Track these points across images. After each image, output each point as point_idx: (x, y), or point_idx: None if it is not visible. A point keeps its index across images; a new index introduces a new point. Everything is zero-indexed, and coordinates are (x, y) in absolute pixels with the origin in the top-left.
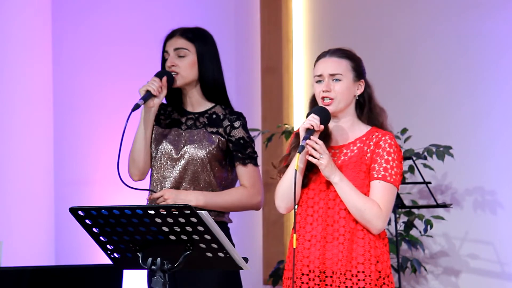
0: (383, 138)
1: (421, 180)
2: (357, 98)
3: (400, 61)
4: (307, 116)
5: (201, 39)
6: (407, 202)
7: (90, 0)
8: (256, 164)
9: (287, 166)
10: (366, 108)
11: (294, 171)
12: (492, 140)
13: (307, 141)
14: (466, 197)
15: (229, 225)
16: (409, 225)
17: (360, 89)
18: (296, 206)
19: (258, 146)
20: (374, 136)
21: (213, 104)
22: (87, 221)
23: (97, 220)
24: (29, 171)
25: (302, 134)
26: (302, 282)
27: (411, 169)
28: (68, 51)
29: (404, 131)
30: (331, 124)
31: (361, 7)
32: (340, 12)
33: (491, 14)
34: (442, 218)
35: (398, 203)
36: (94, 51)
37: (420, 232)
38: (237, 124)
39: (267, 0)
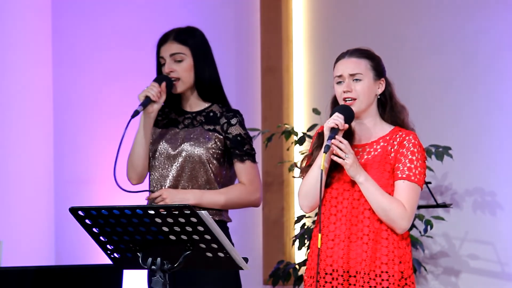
0: (407, 137)
1: None
2: (379, 97)
3: (399, 61)
4: (331, 115)
5: (194, 40)
6: None
7: (90, 0)
8: (254, 161)
9: (309, 165)
10: (388, 106)
11: (321, 171)
12: (492, 141)
13: (332, 140)
14: (466, 198)
15: (229, 224)
16: None
17: (381, 87)
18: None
19: (258, 146)
20: (398, 136)
21: (210, 103)
22: (87, 221)
23: (97, 220)
24: (29, 171)
25: (326, 134)
26: (326, 282)
27: None
28: (68, 51)
29: None
30: (354, 123)
31: (361, 7)
32: (340, 12)
33: (491, 14)
34: (442, 219)
35: None
36: (94, 51)
37: (420, 232)
38: (234, 121)
39: (267, 0)
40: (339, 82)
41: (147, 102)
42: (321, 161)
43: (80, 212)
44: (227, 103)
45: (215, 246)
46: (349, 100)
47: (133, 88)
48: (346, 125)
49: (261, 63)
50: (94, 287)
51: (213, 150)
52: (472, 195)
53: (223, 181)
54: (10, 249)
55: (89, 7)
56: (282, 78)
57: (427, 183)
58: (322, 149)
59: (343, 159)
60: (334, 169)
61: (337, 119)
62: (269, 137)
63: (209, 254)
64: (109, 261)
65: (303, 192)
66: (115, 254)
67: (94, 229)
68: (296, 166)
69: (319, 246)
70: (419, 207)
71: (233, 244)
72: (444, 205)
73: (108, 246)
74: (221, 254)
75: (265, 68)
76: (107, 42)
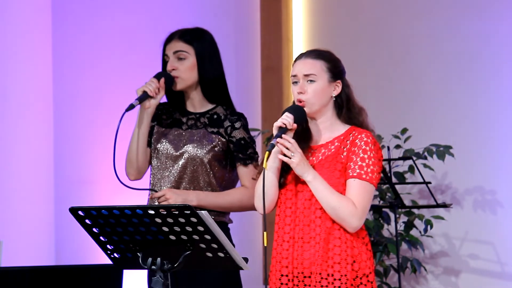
0: (359, 136)
1: (421, 180)
2: (335, 98)
3: (400, 60)
4: (282, 115)
5: (199, 40)
6: (407, 202)
7: (91, 0)
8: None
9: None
10: (344, 108)
11: (263, 169)
12: (492, 140)
13: (278, 139)
14: (466, 196)
15: (230, 225)
16: (409, 225)
17: (336, 89)
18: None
19: (258, 146)
20: (351, 135)
21: (214, 105)
22: (87, 221)
23: (97, 220)
24: (29, 171)
25: (274, 132)
26: (282, 283)
27: (411, 169)
28: (68, 51)
29: (404, 131)
30: (310, 124)
31: (361, 7)
32: (340, 12)
33: (491, 13)
34: (442, 218)
35: (398, 203)
36: (95, 51)
37: (420, 232)
38: (237, 124)
39: (267, 0)
40: (294, 82)
41: (143, 97)
42: (271, 162)
43: (80, 212)
44: (232, 105)
45: (215, 246)
46: (302, 102)
47: (134, 88)
48: (295, 125)
49: (261, 63)
50: (94, 287)
51: (216, 153)
52: (472, 193)
53: (225, 184)
54: (10, 249)
55: (89, 7)
56: (282, 78)
57: (427, 183)
58: (267, 147)
59: (290, 158)
60: (288, 170)
61: (286, 118)
62: (269, 137)
63: (209, 254)
64: (109, 261)
65: (256, 193)
66: (115, 254)
67: (94, 229)
68: (254, 167)
69: (265, 245)
70: (420, 207)
71: (234, 245)
72: (444, 205)
73: (108, 246)
74: (221, 254)
75: (265, 68)
76: (107, 42)
